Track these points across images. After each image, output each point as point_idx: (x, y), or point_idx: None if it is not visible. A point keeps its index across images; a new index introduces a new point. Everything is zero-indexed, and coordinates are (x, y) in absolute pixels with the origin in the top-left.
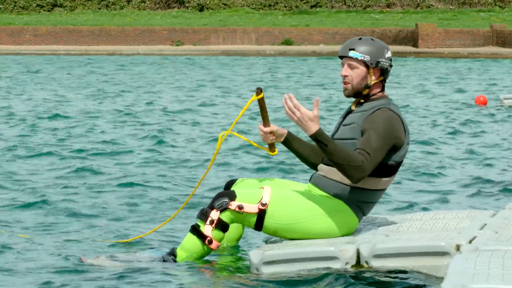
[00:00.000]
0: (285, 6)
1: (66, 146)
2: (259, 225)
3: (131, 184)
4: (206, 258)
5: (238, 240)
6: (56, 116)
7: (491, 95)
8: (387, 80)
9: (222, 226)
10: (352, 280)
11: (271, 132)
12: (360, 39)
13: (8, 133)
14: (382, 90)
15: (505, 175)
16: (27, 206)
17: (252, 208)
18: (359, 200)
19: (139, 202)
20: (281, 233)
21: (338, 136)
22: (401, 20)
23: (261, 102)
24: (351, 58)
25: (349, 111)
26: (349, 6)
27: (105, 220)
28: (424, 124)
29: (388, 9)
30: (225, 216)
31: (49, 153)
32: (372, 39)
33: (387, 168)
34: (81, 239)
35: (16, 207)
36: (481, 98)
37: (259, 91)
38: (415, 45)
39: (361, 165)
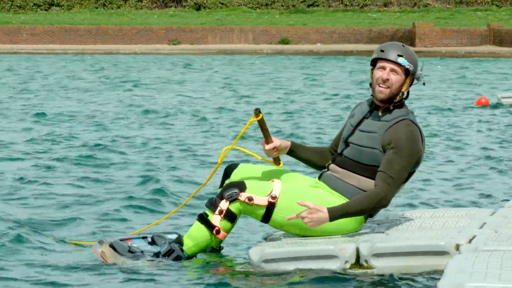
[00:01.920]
0: (282, 5)
1: (69, 144)
2: (266, 218)
3: (131, 183)
4: (205, 255)
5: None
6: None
7: (489, 95)
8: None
9: (230, 216)
10: (351, 279)
11: (274, 148)
12: (403, 46)
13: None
14: (406, 98)
15: (504, 174)
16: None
17: (262, 200)
18: None
19: (137, 202)
20: (287, 228)
21: (355, 141)
22: (398, 19)
23: (261, 122)
24: (397, 64)
25: (365, 115)
26: (346, 5)
27: (104, 217)
28: (424, 123)
29: (385, 8)
30: (234, 207)
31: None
32: (411, 50)
33: None
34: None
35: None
36: (483, 100)
37: (257, 112)
38: (412, 44)
39: (382, 195)
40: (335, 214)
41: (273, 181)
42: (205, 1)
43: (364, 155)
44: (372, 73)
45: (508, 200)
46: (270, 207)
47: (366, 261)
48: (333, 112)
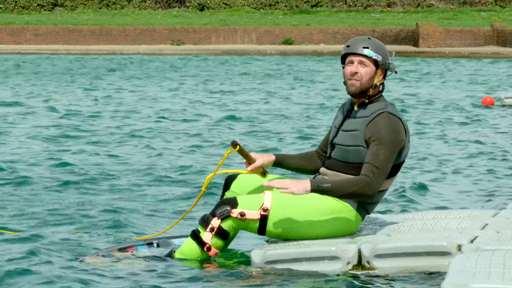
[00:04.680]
0: (285, 6)
1: (68, 144)
2: (262, 230)
3: (129, 188)
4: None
5: (229, 243)
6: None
7: (492, 95)
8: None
9: (222, 234)
10: (353, 280)
11: (256, 167)
12: (369, 38)
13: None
14: (381, 91)
15: (507, 175)
16: (29, 202)
17: (254, 214)
18: (363, 202)
19: (138, 206)
20: (285, 236)
21: (340, 142)
22: (401, 19)
23: (239, 152)
24: (364, 56)
25: (347, 115)
26: (349, 5)
27: (108, 219)
28: (427, 124)
29: (388, 9)
30: (226, 225)
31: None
32: (378, 41)
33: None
34: (83, 238)
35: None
36: (488, 99)
37: (234, 146)
38: (415, 44)
39: (368, 181)
40: (318, 187)
41: (264, 193)
42: (208, 2)
43: (350, 154)
44: (343, 70)
45: (511, 201)
46: (263, 220)
47: (368, 262)
48: None
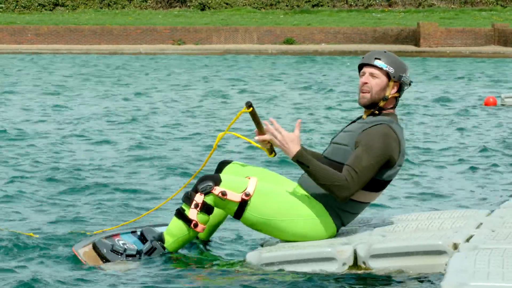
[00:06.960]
0: (286, 5)
1: (54, 140)
2: (238, 214)
3: (122, 176)
4: (202, 259)
5: (218, 226)
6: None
7: (493, 94)
8: (399, 99)
9: (206, 209)
10: (350, 281)
11: (264, 140)
12: (385, 52)
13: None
14: (394, 106)
15: (502, 174)
16: (12, 198)
17: (235, 196)
18: (339, 208)
19: (128, 194)
20: (258, 227)
21: (335, 140)
22: (402, 19)
23: (252, 115)
24: (375, 66)
25: (355, 120)
26: (350, 5)
27: (93, 210)
28: (427, 124)
29: (389, 8)
30: (209, 199)
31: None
32: (394, 55)
33: (372, 183)
34: (70, 231)
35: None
36: (491, 99)
37: (247, 106)
38: (416, 44)
39: (344, 184)
40: (300, 158)
41: (249, 178)
42: (209, 1)
43: (338, 153)
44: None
45: (504, 201)
46: (243, 204)
47: (364, 263)
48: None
